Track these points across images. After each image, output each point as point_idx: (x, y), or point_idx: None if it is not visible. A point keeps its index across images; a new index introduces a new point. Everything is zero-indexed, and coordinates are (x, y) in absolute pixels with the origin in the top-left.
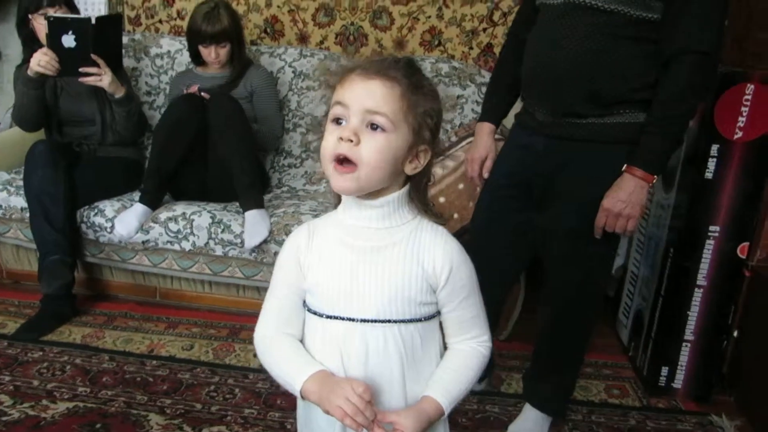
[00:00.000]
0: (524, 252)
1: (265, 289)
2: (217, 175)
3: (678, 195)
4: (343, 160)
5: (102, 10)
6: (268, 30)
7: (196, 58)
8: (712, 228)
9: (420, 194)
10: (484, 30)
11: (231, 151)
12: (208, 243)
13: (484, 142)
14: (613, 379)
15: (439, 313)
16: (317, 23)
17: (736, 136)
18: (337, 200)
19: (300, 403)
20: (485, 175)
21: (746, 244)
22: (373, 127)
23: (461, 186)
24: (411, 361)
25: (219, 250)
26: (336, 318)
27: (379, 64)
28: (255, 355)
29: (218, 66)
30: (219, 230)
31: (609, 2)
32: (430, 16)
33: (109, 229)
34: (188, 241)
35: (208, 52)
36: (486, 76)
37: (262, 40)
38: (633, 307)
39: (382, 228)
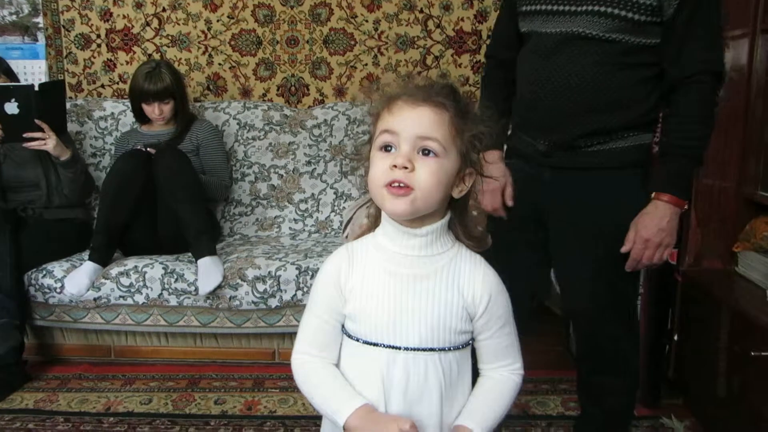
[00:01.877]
0: (538, 283)
1: (223, 336)
2: (167, 228)
3: None
4: (396, 186)
5: (43, 79)
6: (211, 87)
7: (140, 117)
8: None
9: (464, 216)
10: (419, 73)
11: (180, 201)
12: (161, 294)
13: (501, 169)
14: (569, 393)
15: (473, 340)
16: (258, 77)
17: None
18: (375, 224)
19: (327, 428)
20: (509, 203)
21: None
22: (425, 152)
23: None
24: (448, 389)
25: (173, 300)
26: (378, 345)
27: (426, 91)
28: (216, 402)
29: (162, 123)
30: (172, 280)
31: (608, 31)
32: (366, 64)
33: (58, 290)
34: (141, 294)
35: (152, 110)
36: None
37: (205, 97)
38: None
39: (424, 256)
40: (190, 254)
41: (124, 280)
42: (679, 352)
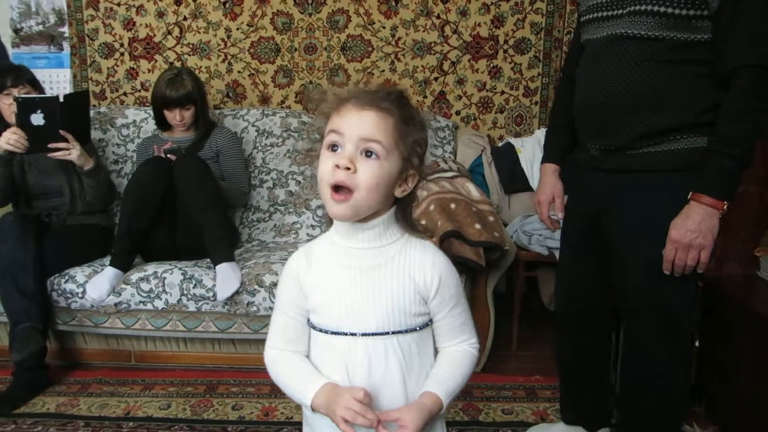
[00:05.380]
0: (608, 290)
1: (241, 342)
2: (186, 235)
3: None
4: (339, 188)
5: (67, 88)
6: (230, 94)
7: (162, 124)
8: None
9: (407, 214)
10: (436, 79)
11: (199, 207)
12: (180, 300)
13: (550, 183)
14: None
15: (431, 321)
16: (277, 84)
17: None
18: (331, 221)
19: (305, 416)
20: (559, 215)
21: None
22: (368, 154)
23: (432, 207)
24: (410, 368)
25: (192, 306)
26: (340, 334)
27: (373, 95)
28: (233, 408)
29: (183, 129)
30: (191, 286)
31: (651, 29)
32: (383, 70)
33: (80, 295)
34: (161, 299)
35: (173, 116)
36: (441, 122)
37: (225, 104)
38: None
39: (375, 247)
40: (208, 260)
41: (144, 286)
42: (701, 358)
